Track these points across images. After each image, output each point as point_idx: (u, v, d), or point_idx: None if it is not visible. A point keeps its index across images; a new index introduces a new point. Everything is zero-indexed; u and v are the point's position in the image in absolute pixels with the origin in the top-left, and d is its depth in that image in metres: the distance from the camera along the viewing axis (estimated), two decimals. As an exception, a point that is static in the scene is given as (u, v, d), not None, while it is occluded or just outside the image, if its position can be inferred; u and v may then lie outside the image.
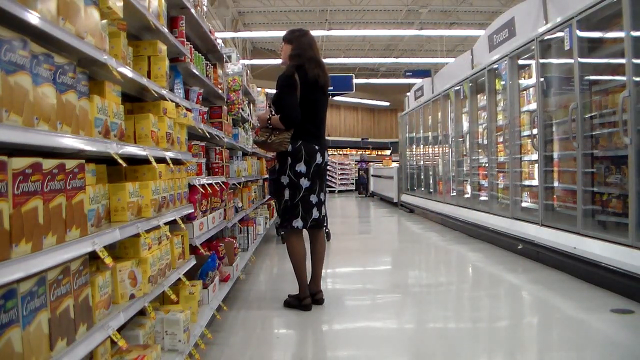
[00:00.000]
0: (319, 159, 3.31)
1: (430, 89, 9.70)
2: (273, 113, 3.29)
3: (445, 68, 9.46)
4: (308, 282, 3.38)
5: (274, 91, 3.34)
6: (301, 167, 3.24)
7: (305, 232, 3.35)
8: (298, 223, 3.26)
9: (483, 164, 6.43)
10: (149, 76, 2.26)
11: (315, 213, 3.31)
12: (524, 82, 5.30)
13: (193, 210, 2.60)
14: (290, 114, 3.18)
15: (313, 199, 3.31)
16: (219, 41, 4.20)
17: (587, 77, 4.02)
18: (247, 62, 16.87)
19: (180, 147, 2.48)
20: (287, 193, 3.26)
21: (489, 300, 3.65)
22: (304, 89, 3.22)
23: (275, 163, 3.39)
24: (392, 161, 15.75)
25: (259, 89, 7.50)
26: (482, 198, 6.44)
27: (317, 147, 3.30)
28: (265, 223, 6.11)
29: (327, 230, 5.32)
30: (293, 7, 16.20)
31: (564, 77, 4.49)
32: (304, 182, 3.26)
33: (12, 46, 1.12)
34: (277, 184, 3.31)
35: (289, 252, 3.35)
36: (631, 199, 3.34)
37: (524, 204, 5.24)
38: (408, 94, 11.87)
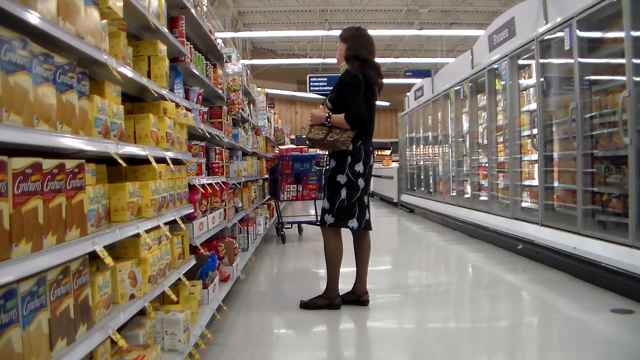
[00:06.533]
0: (371, 160, 3.32)
1: (430, 89, 9.70)
2: (329, 111, 3.23)
3: (445, 68, 9.46)
4: (354, 283, 3.38)
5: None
6: (360, 167, 3.21)
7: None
8: (354, 224, 3.23)
9: (483, 164, 6.43)
10: (149, 76, 2.26)
11: (367, 214, 3.31)
12: (524, 82, 5.30)
13: (193, 210, 2.60)
14: (359, 114, 3.13)
15: (366, 199, 3.31)
16: (219, 41, 4.20)
17: (587, 77, 4.02)
18: (247, 62, 16.87)
19: (180, 147, 2.48)
20: (344, 192, 3.21)
21: (489, 300, 3.65)
22: (365, 89, 3.21)
23: (327, 162, 3.30)
24: (392, 161, 15.77)
25: (259, 89, 7.50)
26: (482, 198, 6.44)
27: (371, 148, 3.31)
28: (265, 223, 6.11)
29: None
30: (293, 7, 16.20)
31: (564, 77, 4.49)
32: (361, 183, 3.24)
33: (12, 46, 1.12)
34: (332, 183, 3.24)
35: (327, 251, 3.30)
36: (631, 199, 3.34)
37: (524, 204, 5.24)
38: (408, 94, 11.86)
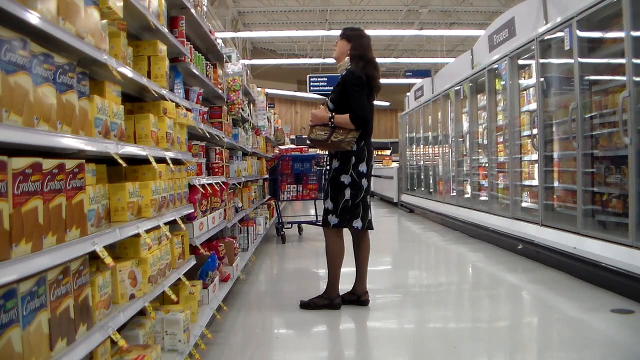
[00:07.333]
0: (372, 160, 3.34)
1: (430, 89, 9.70)
2: (331, 112, 3.22)
3: (445, 68, 9.46)
4: (354, 283, 3.38)
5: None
6: (363, 167, 3.22)
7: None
8: (358, 224, 3.24)
9: (483, 164, 6.43)
10: (149, 76, 2.26)
11: (369, 214, 3.32)
12: (524, 82, 5.30)
13: (193, 210, 2.60)
14: (364, 114, 3.14)
15: (368, 199, 3.33)
16: (219, 41, 4.20)
17: (587, 77, 4.02)
18: (247, 62, 16.87)
19: (180, 147, 2.48)
20: (348, 193, 3.20)
21: (489, 300, 3.65)
22: (367, 90, 3.22)
23: (326, 162, 3.28)
24: (392, 161, 15.77)
25: (259, 89, 7.50)
26: (482, 198, 6.44)
27: (372, 148, 3.32)
28: (265, 223, 6.11)
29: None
30: (293, 7, 16.20)
31: (564, 77, 4.49)
32: (365, 183, 3.25)
33: (12, 46, 1.12)
34: (336, 183, 3.23)
35: (329, 251, 3.30)
36: (631, 199, 3.34)
37: (524, 204, 5.24)
38: (408, 94, 11.86)
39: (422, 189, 9.47)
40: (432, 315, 3.30)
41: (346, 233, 3.31)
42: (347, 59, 3.28)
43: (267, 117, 8.12)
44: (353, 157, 3.20)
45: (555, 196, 4.66)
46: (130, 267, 1.76)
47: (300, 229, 6.97)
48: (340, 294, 3.32)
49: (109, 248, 1.64)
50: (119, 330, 1.62)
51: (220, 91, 3.94)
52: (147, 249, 1.91)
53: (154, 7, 2.32)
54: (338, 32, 3.45)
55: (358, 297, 3.35)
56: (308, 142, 3.45)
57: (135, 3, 1.99)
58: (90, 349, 1.38)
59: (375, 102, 3.39)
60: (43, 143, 1.22)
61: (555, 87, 4.66)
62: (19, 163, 1.11)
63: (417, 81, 11.53)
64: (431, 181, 8.96)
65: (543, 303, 3.51)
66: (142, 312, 1.89)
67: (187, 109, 2.69)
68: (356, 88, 3.16)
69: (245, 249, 4.45)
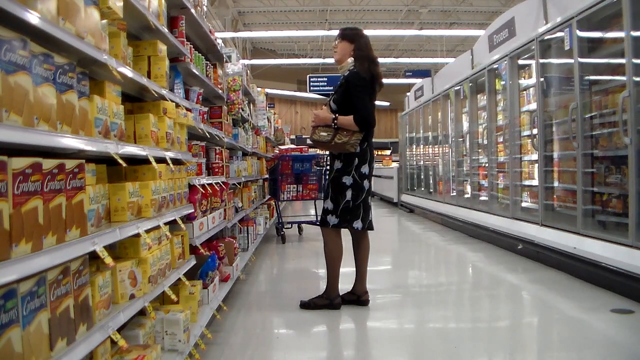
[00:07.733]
0: (374, 161, 3.35)
1: (430, 89, 9.70)
2: (334, 112, 3.21)
3: (445, 68, 9.46)
4: (354, 283, 3.38)
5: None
6: (365, 169, 3.23)
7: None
8: (358, 224, 3.24)
9: (483, 164, 6.43)
10: (149, 76, 2.26)
11: (370, 215, 3.32)
12: (524, 82, 5.30)
13: (193, 210, 2.60)
14: (368, 116, 3.14)
15: (369, 200, 3.33)
16: (219, 41, 4.20)
17: (587, 77, 4.02)
18: (247, 62, 16.87)
19: (180, 147, 2.48)
20: (349, 194, 3.21)
21: (489, 300, 3.65)
22: (370, 91, 3.22)
23: (326, 162, 3.26)
24: (392, 161, 15.77)
25: (259, 89, 7.50)
26: (482, 198, 6.44)
27: (373, 149, 3.32)
28: (265, 223, 6.11)
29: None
30: (293, 7, 16.20)
31: (564, 77, 4.49)
32: (366, 184, 3.26)
33: (12, 46, 1.12)
34: (337, 184, 3.24)
35: (327, 251, 3.30)
36: (631, 199, 3.34)
37: (524, 204, 5.24)
38: (408, 94, 11.86)
39: (422, 189, 9.47)
40: (432, 315, 3.30)
41: (345, 233, 3.31)
42: (349, 59, 3.27)
43: (267, 117, 8.12)
44: (356, 159, 3.20)
45: (555, 196, 4.66)
46: (130, 267, 1.76)
47: (300, 229, 6.97)
48: (340, 294, 3.32)
49: (109, 248, 1.64)
50: (119, 330, 1.62)
51: (220, 91, 3.94)
52: (147, 249, 1.91)
53: (154, 7, 2.32)
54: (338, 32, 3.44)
55: (358, 297, 3.35)
56: (310, 142, 3.43)
57: (135, 3, 1.99)
58: (90, 349, 1.38)
59: (376, 102, 3.38)
60: (43, 143, 1.22)
61: (555, 87, 4.66)
62: (19, 163, 1.11)
63: (417, 81, 11.53)
64: (431, 181, 8.96)
65: (543, 303, 3.51)
66: (142, 312, 1.90)
67: (187, 109, 2.69)
68: (360, 89, 3.15)
69: (245, 249, 4.45)
